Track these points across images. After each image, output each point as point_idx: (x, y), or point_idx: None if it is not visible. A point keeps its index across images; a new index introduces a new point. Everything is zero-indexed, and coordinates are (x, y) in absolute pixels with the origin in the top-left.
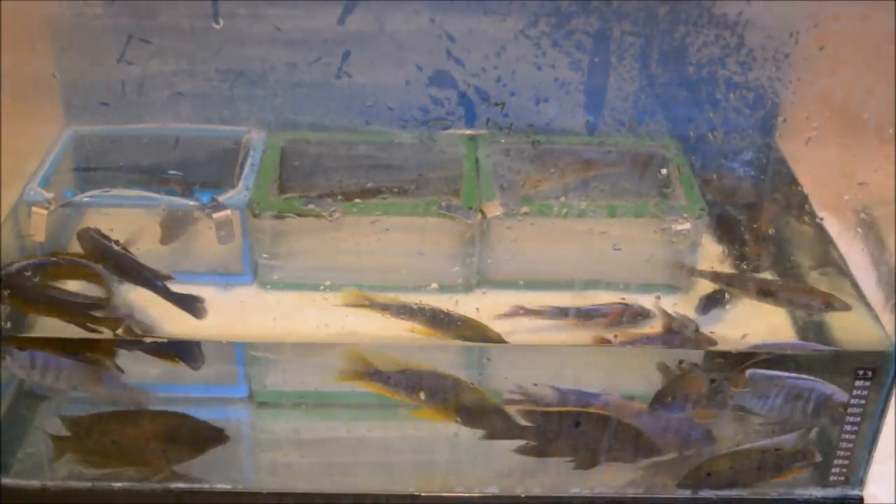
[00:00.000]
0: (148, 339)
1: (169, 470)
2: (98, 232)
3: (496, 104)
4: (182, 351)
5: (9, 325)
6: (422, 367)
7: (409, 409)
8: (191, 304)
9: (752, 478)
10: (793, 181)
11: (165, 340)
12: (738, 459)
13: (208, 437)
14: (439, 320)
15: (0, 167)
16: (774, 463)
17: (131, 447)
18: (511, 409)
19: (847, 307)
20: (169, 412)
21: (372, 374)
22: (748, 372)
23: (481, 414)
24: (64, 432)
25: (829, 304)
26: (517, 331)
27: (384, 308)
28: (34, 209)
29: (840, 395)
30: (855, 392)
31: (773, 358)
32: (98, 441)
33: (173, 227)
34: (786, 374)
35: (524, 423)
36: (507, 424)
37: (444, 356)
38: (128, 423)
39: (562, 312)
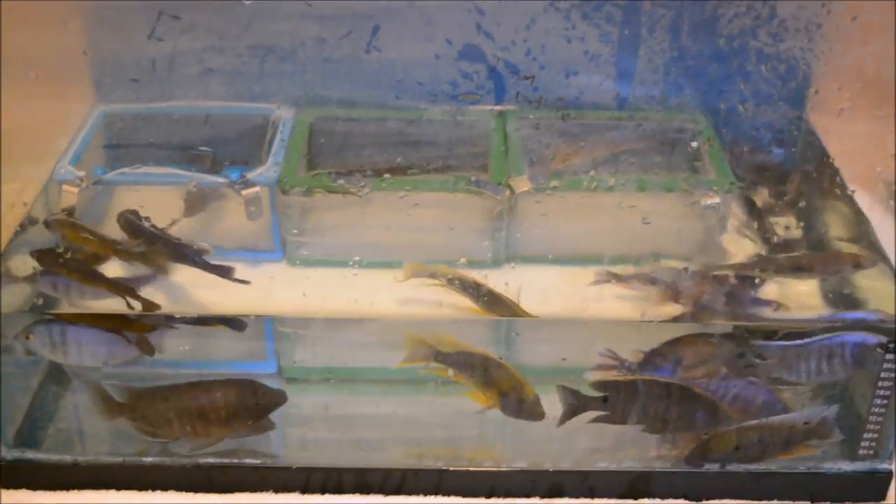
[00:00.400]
0: (178, 316)
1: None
2: (134, 213)
3: (526, 78)
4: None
5: (41, 301)
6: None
7: (467, 392)
8: (223, 270)
9: (764, 453)
10: (823, 154)
11: (195, 316)
12: (748, 435)
13: (273, 400)
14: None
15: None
16: (787, 439)
17: (198, 415)
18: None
19: (876, 261)
20: (236, 379)
21: (435, 355)
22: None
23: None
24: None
25: (859, 263)
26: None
27: (448, 281)
28: (65, 187)
29: (872, 339)
30: (885, 365)
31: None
32: (162, 410)
33: (197, 201)
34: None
35: (595, 394)
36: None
37: (474, 330)
38: (197, 391)
39: (650, 281)
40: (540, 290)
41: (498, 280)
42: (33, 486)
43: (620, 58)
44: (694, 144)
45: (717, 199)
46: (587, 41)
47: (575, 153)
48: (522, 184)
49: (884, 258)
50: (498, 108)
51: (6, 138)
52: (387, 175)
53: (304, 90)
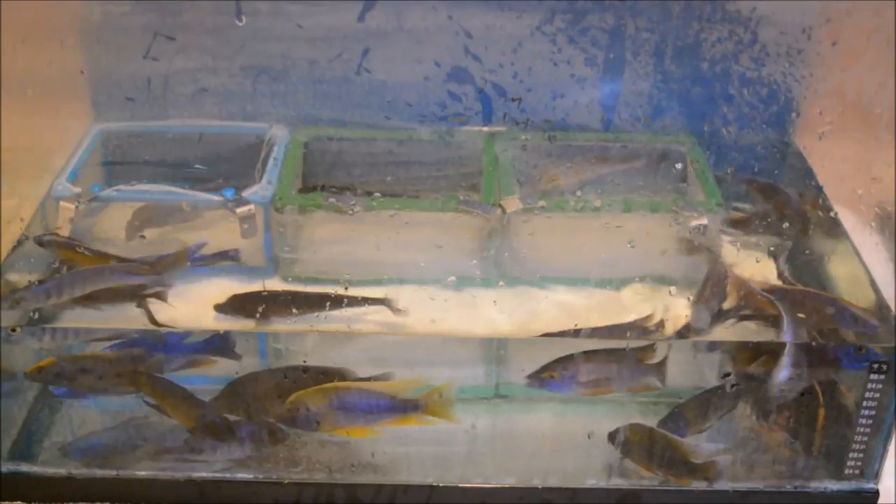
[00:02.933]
0: (177, 330)
1: None
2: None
3: (513, 100)
4: (219, 348)
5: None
6: None
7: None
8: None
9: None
10: (808, 175)
11: (192, 332)
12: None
13: None
14: None
15: None
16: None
17: None
18: None
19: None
20: None
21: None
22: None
23: None
24: None
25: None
26: None
27: None
28: (62, 204)
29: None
30: (870, 385)
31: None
32: None
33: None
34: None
35: None
36: None
37: (464, 348)
38: None
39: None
40: (529, 309)
41: (487, 299)
42: (28, 498)
43: (606, 81)
44: (678, 166)
45: (704, 220)
46: (573, 64)
47: (562, 174)
48: (513, 203)
49: (872, 284)
50: (486, 128)
51: (5, 155)
52: (377, 194)
53: (295, 110)
